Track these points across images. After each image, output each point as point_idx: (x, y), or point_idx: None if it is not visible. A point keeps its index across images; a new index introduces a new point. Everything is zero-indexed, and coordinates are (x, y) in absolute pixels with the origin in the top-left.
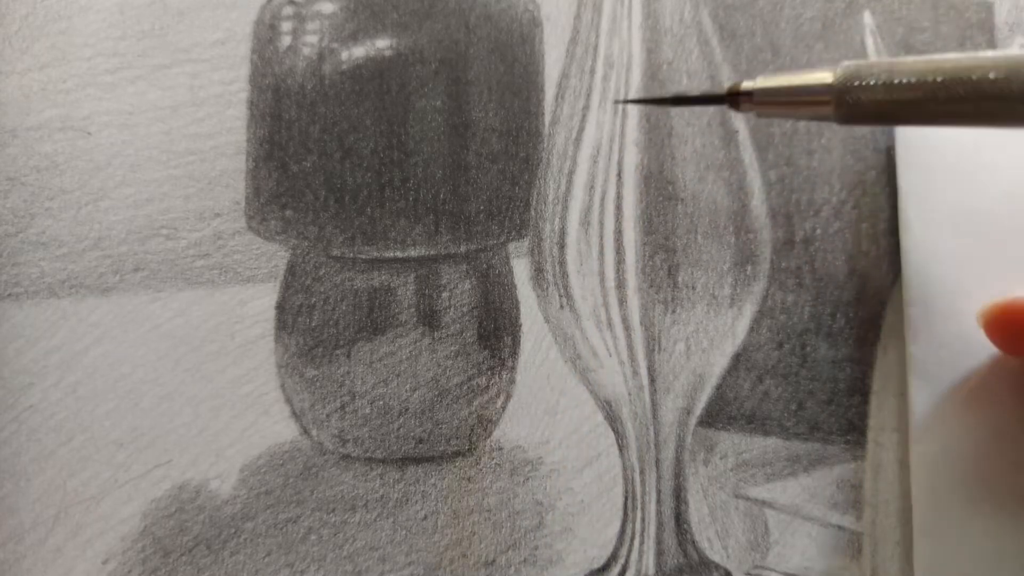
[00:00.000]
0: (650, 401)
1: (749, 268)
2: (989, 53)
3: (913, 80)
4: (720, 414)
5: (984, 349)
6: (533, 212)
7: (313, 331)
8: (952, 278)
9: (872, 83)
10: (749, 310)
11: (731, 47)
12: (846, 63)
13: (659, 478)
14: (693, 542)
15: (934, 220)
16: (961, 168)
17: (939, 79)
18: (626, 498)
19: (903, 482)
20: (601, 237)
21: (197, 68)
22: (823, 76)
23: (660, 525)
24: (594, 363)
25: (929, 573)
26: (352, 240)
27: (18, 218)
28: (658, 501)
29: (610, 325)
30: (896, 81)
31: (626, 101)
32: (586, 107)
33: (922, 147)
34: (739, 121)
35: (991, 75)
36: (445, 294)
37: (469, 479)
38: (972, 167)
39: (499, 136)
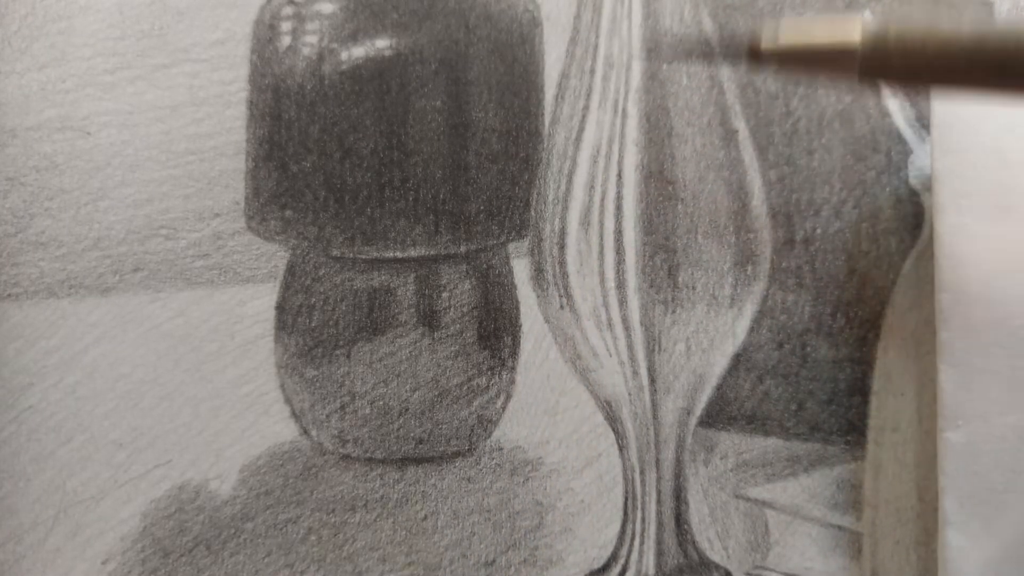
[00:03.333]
0: (650, 401)
1: (749, 268)
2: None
3: (956, 36)
4: (720, 414)
5: (1018, 338)
6: (533, 212)
7: (313, 331)
8: (987, 263)
9: (905, 36)
10: (749, 310)
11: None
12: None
13: (659, 478)
14: (693, 542)
15: (969, 204)
16: (998, 150)
17: (984, 34)
18: (626, 498)
19: (903, 482)
20: (601, 237)
21: (197, 68)
22: (851, 28)
23: (660, 525)
24: (594, 363)
25: (958, 563)
26: (352, 240)
27: (18, 218)
28: (658, 501)
29: (610, 325)
30: (932, 33)
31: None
32: (586, 107)
33: (958, 129)
34: (739, 121)
35: None
36: (445, 294)
37: (469, 479)
38: (1009, 149)
39: (499, 136)
